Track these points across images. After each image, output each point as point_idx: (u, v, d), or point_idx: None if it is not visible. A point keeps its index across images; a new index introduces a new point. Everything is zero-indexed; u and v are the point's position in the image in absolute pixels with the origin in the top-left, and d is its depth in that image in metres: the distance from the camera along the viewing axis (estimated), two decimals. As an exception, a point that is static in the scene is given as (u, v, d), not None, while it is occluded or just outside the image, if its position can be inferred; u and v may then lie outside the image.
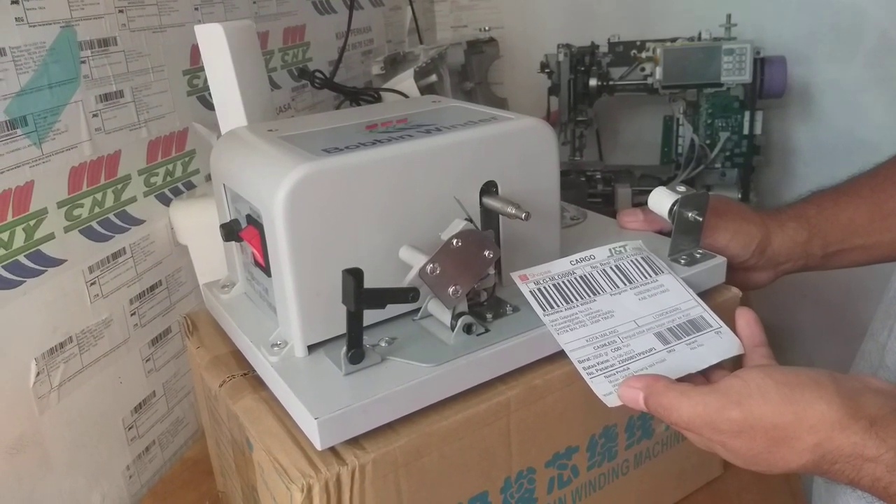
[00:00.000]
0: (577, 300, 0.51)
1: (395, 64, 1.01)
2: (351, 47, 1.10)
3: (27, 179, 0.55)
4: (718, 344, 0.48)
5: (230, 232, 0.53)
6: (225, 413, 0.52)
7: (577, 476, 0.55)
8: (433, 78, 0.97)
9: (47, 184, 0.57)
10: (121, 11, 0.65)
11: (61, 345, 0.60)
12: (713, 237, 0.61)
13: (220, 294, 0.58)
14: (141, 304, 0.69)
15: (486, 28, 1.23)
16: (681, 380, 0.44)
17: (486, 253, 0.47)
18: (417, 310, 0.51)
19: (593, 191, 1.10)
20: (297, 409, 0.44)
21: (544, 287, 0.51)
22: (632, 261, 0.55)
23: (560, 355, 0.48)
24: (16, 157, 0.54)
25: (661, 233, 0.64)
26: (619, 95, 1.14)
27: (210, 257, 0.64)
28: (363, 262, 0.44)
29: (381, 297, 0.44)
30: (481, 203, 0.51)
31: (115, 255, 0.65)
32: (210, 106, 0.76)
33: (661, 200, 0.59)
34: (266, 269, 0.50)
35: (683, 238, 0.59)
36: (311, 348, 0.48)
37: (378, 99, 0.94)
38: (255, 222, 0.50)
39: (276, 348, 0.48)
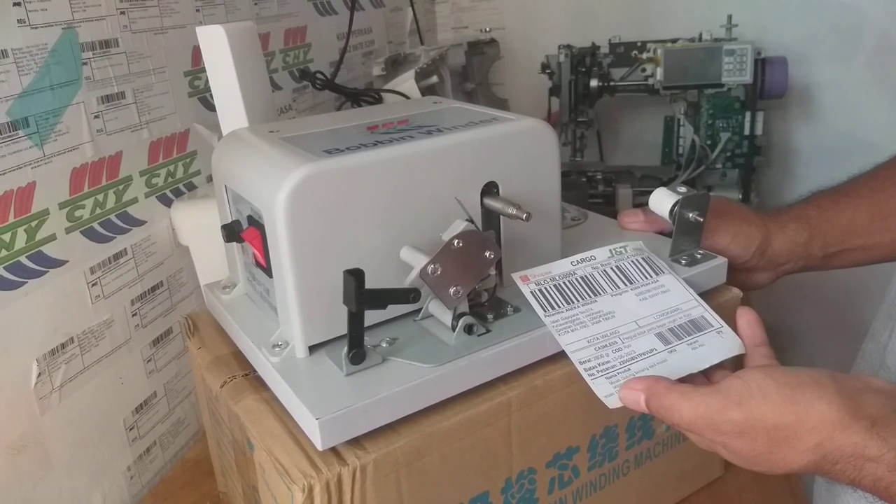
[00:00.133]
0: (577, 301, 0.51)
1: (395, 65, 1.01)
2: (352, 48, 1.10)
3: (29, 180, 0.56)
4: (720, 344, 0.48)
5: (231, 233, 0.53)
6: (226, 413, 0.52)
7: (578, 476, 0.55)
8: (434, 79, 0.97)
9: (49, 185, 0.57)
10: (122, 13, 0.65)
11: (63, 345, 0.60)
12: (714, 238, 0.61)
13: (222, 295, 0.58)
14: (142, 304, 0.69)
15: (487, 29, 1.23)
16: (682, 380, 0.44)
17: (487, 253, 0.47)
18: (418, 310, 0.51)
19: (594, 191, 1.10)
20: (299, 409, 0.44)
21: (545, 288, 0.51)
22: (632, 261, 0.55)
23: (561, 355, 0.49)
24: (17, 159, 0.54)
25: (661, 233, 0.64)
26: (619, 96, 1.14)
27: (211, 258, 0.64)
28: (364, 262, 0.44)
29: (382, 297, 0.44)
30: (482, 204, 0.51)
31: (117, 256, 0.65)
32: (211, 107, 0.76)
33: (662, 201, 0.59)
34: (267, 270, 0.50)
35: (684, 238, 0.59)
36: (313, 349, 0.48)
37: (379, 100, 0.94)
38: (256, 223, 0.50)
39: (277, 349, 0.48)
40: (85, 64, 0.61)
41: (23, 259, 0.56)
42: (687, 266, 0.57)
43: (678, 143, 1.12)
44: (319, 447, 0.42)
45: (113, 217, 0.65)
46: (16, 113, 0.54)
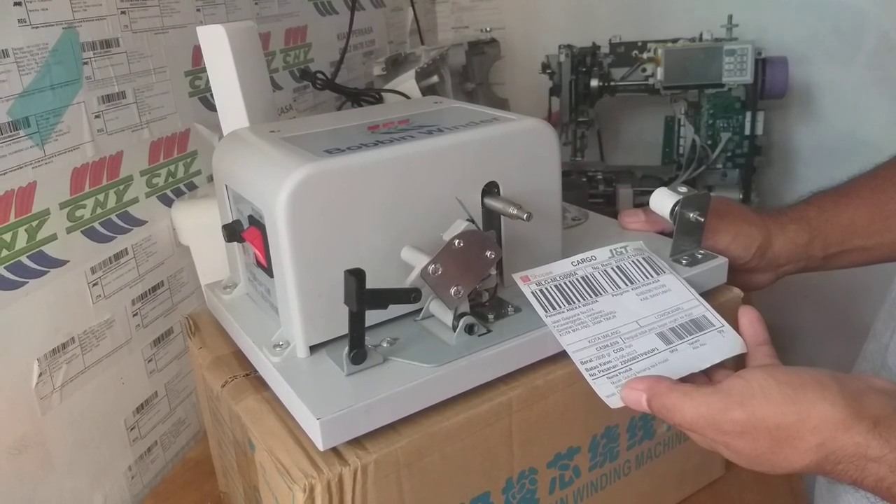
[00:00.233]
0: (578, 301, 0.51)
1: (396, 65, 1.01)
2: (352, 48, 1.10)
3: (29, 180, 0.56)
4: (721, 343, 0.48)
5: (232, 233, 0.53)
6: (227, 413, 0.52)
7: (579, 476, 0.55)
8: (434, 79, 0.97)
9: (49, 185, 0.57)
10: (123, 13, 0.65)
11: (63, 345, 0.60)
12: (714, 239, 0.61)
13: (222, 295, 0.58)
14: (143, 304, 0.69)
15: (488, 29, 1.23)
16: (683, 380, 0.44)
17: (488, 253, 0.47)
18: (419, 310, 0.51)
19: (595, 191, 1.10)
20: (300, 409, 0.44)
21: (546, 288, 0.51)
22: (633, 261, 0.55)
23: (562, 355, 0.49)
24: (18, 158, 0.54)
25: (662, 233, 0.64)
26: (620, 96, 1.14)
27: (212, 258, 0.64)
28: (365, 262, 0.44)
29: (383, 297, 0.44)
30: (483, 204, 0.51)
31: (118, 256, 0.65)
32: (212, 107, 0.76)
33: (663, 201, 0.59)
34: (268, 270, 0.50)
35: (685, 238, 0.59)
36: (314, 349, 0.48)
37: (379, 100, 0.94)
38: (257, 223, 0.50)
39: (278, 349, 0.48)
40: (86, 63, 0.61)
41: (23, 259, 0.56)
42: (688, 266, 0.57)
43: (679, 142, 1.12)
44: (320, 447, 0.42)
45: (114, 217, 0.65)
46: (16, 113, 0.54)
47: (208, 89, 0.75)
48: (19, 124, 0.54)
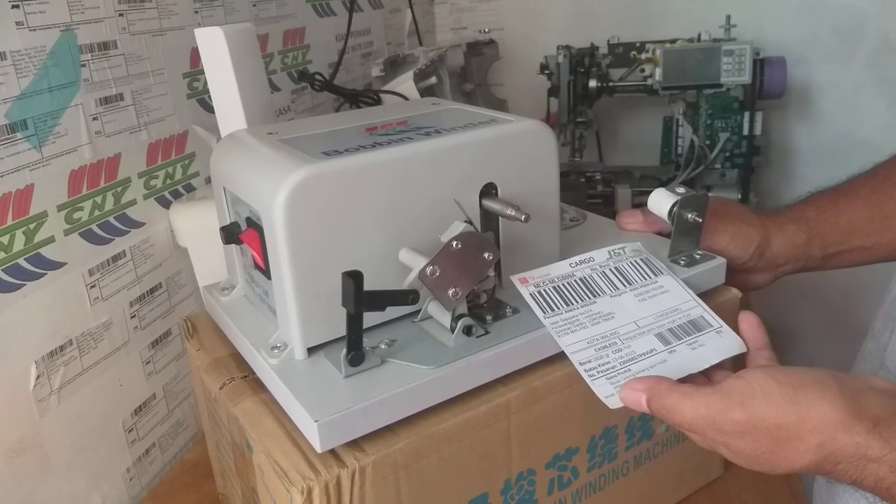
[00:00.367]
0: (577, 302, 0.51)
1: (394, 66, 1.01)
2: (350, 49, 1.10)
3: (27, 183, 0.55)
4: (720, 343, 0.48)
5: (230, 234, 0.53)
6: (225, 415, 0.52)
7: (578, 477, 0.55)
8: (433, 80, 0.97)
9: (47, 187, 0.57)
10: (121, 15, 0.65)
11: (61, 348, 0.60)
12: (712, 239, 0.61)
13: (220, 296, 0.58)
14: (141, 306, 0.69)
15: (486, 30, 1.23)
16: (682, 380, 0.44)
17: (486, 255, 0.47)
18: (417, 312, 0.51)
19: (593, 192, 1.10)
20: (297, 411, 0.44)
21: (544, 290, 0.51)
22: (631, 262, 0.55)
23: (560, 357, 0.48)
24: (16, 161, 0.54)
25: (660, 234, 0.64)
26: (618, 96, 1.14)
27: (210, 260, 0.64)
28: (363, 264, 0.44)
29: (381, 299, 0.44)
30: (481, 205, 0.51)
31: (115, 258, 0.65)
32: (210, 108, 0.76)
33: (661, 202, 0.59)
34: (266, 272, 0.50)
35: (683, 239, 0.59)
36: (311, 351, 0.48)
37: (378, 101, 0.94)
38: (254, 225, 0.50)
39: (275, 351, 0.48)
40: (83, 66, 0.61)
41: (21, 261, 0.56)
42: (686, 267, 0.57)
43: (677, 143, 1.12)
44: (318, 449, 0.42)
45: (111, 219, 0.65)
46: (14, 115, 0.54)
47: (206, 91, 0.75)
48: (17, 127, 0.54)
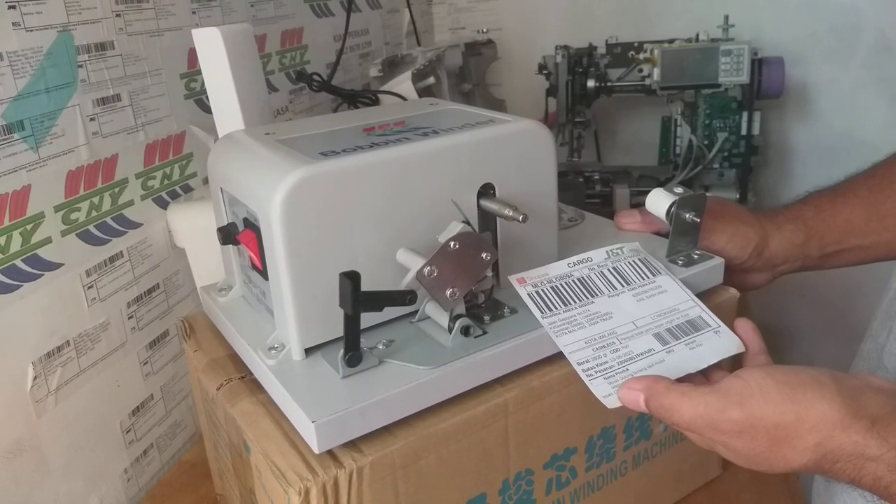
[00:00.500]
0: (575, 302, 0.51)
1: (392, 66, 1.01)
2: (349, 50, 1.10)
3: (24, 184, 0.55)
4: (717, 343, 0.48)
5: (227, 235, 0.53)
6: (222, 416, 0.52)
7: (576, 477, 0.55)
8: (431, 80, 0.97)
9: (44, 188, 0.57)
10: (118, 15, 0.65)
11: (59, 348, 0.59)
12: (710, 240, 0.61)
13: (218, 297, 0.58)
14: (138, 307, 0.69)
15: (484, 30, 1.23)
16: (681, 380, 0.44)
17: (484, 255, 0.47)
18: (415, 312, 0.51)
19: (591, 191, 1.10)
20: (295, 412, 0.44)
21: (542, 290, 0.51)
22: (629, 262, 0.55)
23: (558, 357, 0.48)
24: (13, 162, 0.54)
25: (658, 234, 0.64)
26: (616, 96, 1.14)
27: (207, 260, 0.64)
28: (360, 264, 0.44)
29: (379, 299, 0.44)
30: (479, 205, 0.51)
31: (113, 259, 0.65)
32: (207, 109, 0.76)
33: (659, 202, 0.59)
34: (263, 273, 0.50)
35: (681, 239, 0.59)
36: (309, 351, 0.48)
37: (376, 101, 0.94)
38: (252, 226, 0.50)
39: (273, 351, 0.48)
40: (80, 66, 0.61)
41: (18, 262, 0.55)
42: (684, 267, 0.57)
43: (675, 143, 1.12)
44: (316, 450, 0.42)
45: (109, 220, 0.65)
46: (11, 116, 0.54)
47: (204, 92, 0.75)
48: (13, 128, 0.54)
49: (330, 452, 0.43)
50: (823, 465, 0.39)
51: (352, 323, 0.44)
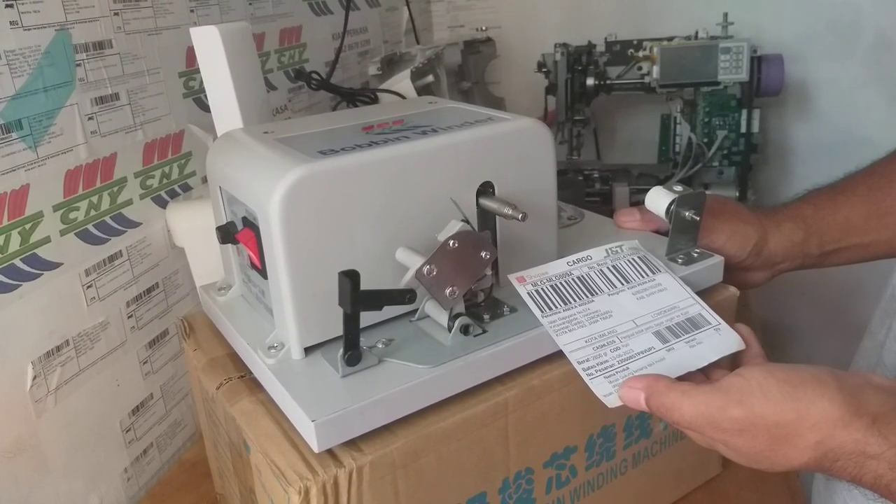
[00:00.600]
0: (574, 301, 0.51)
1: (391, 64, 1.01)
2: (347, 48, 1.10)
3: (22, 183, 0.55)
4: (718, 341, 0.48)
5: (226, 234, 0.53)
6: (222, 415, 0.52)
7: (576, 476, 0.55)
8: (430, 78, 0.96)
9: (43, 187, 0.57)
10: (116, 14, 0.65)
11: (58, 348, 0.59)
12: (710, 238, 0.61)
13: (217, 296, 0.58)
14: (138, 306, 0.69)
15: (483, 28, 1.23)
16: (681, 378, 0.44)
17: (483, 254, 0.47)
18: (414, 311, 0.51)
19: (591, 190, 1.10)
20: (294, 411, 0.44)
21: (542, 289, 0.51)
22: (629, 260, 0.55)
23: (558, 355, 0.48)
24: (11, 161, 0.54)
25: (658, 232, 0.64)
26: (616, 94, 1.14)
27: (206, 260, 0.64)
28: (360, 263, 0.43)
29: (378, 298, 0.44)
30: (478, 204, 0.51)
31: (112, 258, 0.65)
32: (206, 108, 0.75)
33: (658, 200, 0.59)
34: (262, 272, 0.50)
35: (681, 237, 0.59)
36: (308, 350, 0.48)
37: (375, 100, 0.93)
38: (251, 224, 0.49)
39: (272, 350, 0.48)
40: (78, 65, 0.61)
41: (17, 262, 0.55)
42: (683, 265, 0.57)
43: (675, 141, 1.12)
44: (315, 449, 0.42)
45: (108, 219, 0.65)
46: (9, 115, 0.54)
47: (202, 90, 0.75)
48: (12, 127, 0.54)
49: (330, 451, 0.43)
50: (824, 463, 0.39)
51: (351, 322, 0.44)
